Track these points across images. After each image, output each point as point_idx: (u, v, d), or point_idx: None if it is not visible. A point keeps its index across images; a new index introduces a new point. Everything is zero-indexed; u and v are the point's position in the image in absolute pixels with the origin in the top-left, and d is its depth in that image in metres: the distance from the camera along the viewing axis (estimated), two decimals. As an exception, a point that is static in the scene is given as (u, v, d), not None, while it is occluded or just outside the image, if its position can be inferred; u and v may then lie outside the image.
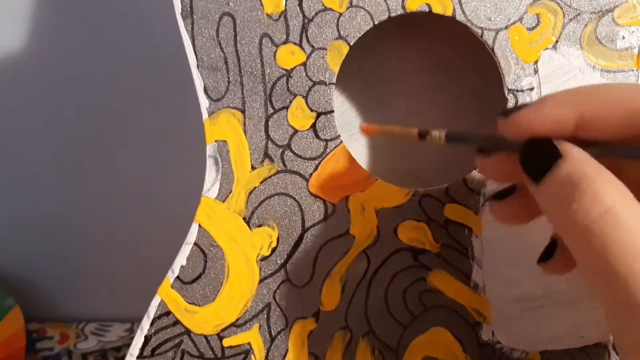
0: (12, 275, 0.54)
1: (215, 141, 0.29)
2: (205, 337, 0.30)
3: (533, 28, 0.29)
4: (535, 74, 0.29)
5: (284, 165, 0.29)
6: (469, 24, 0.29)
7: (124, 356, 0.53)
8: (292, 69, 0.29)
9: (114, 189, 0.51)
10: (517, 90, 0.29)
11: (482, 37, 0.29)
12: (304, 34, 0.29)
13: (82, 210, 0.52)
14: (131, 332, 0.54)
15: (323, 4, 0.28)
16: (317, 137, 0.29)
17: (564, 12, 0.29)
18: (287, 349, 0.30)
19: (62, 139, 0.49)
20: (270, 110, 0.29)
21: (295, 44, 0.29)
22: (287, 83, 0.29)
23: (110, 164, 0.50)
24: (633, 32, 0.29)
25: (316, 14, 0.28)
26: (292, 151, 0.29)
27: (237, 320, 0.30)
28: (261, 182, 0.29)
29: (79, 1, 0.44)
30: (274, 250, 0.29)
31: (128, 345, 0.54)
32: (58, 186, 0.51)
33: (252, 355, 0.30)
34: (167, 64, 0.44)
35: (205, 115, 0.29)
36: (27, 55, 0.46)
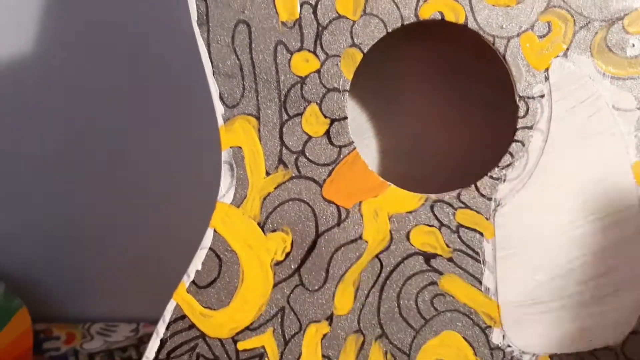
0: (19, 276, 0.54)
1: (231, 147, 0.29)
2: (220, 340, 0.30)
3: (544, 36, 0.29)
4: (546, 81, 0.29)
5: (298, 171, 0.30)
6: (480, 32, 0.29)
7: (130, 356, 0.53)
8: (306, 76, 0.29)
9: (126, 192, 0.51)
10: (528, 97, 0.30)
11: (493, 44, 0.29)
12: (318, 42, 0.29)
13: (90, 211, 0.52)
14: (137, 333, 0.55)
15: (337, 12, 0.29)
16: (331, 143, 0.30)
17: (574, 20, 0.29)
18: (301, 353, 0.30)
19: (72, 142, 0.49)
20: (285, 117, 0.29)
21: (309, 51, 0.29)
22: (302, 90, 0.29)
23: (124, 167, 0.50)
24: (642, 39, 0.29)
25: (330, 21, 0.29)
26: (306, 157, 0.30)
27: (252, 324, 0.30)
28: (275, 188, 0.30)
29: (95, 8, 0.45)
30: (287, 255, 0.30)
31: (134, 345, 0.54)
32: (65, 188, 0.51)
33: (267, 359, 0.30)
34: (182, 70, 0.44)
35: (220, 121, 0.29)
36: (45, 60, 0.47)
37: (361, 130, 0.37)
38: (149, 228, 0.53)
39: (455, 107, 0.36)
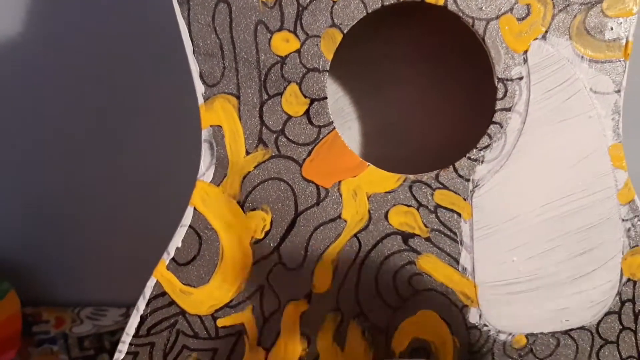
0: (8, 259, 0.54)
1: (211, 126, 0.30)
2: (200, 317, 0.30)
3: (523, 18, 0.29)
4: (524, 63, 0.30)
5: (278, 150, 0.30)
6: (460, 14, 0.29)
7: (119, 340, 0.53)
8: (286, 56, 0.29)
9: (110, 174, 0.51)
10: (507, 80, 0.30)
11: (473, 26, 0.29)
12: (298, 22, 0.29)
13: (78, 194, 0.52)
14: (126, 317, 0.55)
15: (317, -8, 0.29)
16: (311, 123, 0.30)
17: (553, 3, 0.29)
18: (280, 330, 0.31)
19: (57, 125, 0.50)
20: (265, 96, 0.29)
21: (289, 31, 0.29)
22: (282, 70, 0.29)
23: (107, 150, 0.50)
24: (621, 23, 0.30)
25: (310, 1, 0.29)
26: (286, 137, 0.30)
27: (231, 301, 0.30)
28: (255, 167, 0.30)
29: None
30: (267, 233, 0.30)
31: (123, 329, 0.54)
32: (54, 171, 0.51)
33: (245, 336, 0.31)
34: (163, 50, 0.44)
35: (200, 100, 0.29)
36: (25, 48, 0.47)
37: (344, 113, 0.37)
38: (138, 211, 0.53)
39: (436, 89, 0.36)
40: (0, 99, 0.49)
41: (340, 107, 0.37)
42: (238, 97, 0.29)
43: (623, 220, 0.31)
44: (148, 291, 0.30)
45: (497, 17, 0.29)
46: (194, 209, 0.30)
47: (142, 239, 0.52)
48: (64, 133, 0.50)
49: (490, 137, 0.30)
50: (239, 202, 0.30)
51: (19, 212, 0.53)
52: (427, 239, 0.30)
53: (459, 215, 0.30)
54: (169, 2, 0.28)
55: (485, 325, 0.31)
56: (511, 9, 0.29)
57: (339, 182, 0.30)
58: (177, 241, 0.30)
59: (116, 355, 0.31)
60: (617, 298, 0.31)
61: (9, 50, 0.47)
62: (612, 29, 0.30)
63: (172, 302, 0.30)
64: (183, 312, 0.30)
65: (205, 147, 0.30)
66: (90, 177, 0.51)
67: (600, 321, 0.32)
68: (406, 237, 0.30)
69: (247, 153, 0.30)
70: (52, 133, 0.50)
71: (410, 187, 0.30)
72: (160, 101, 0.48)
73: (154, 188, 0.51)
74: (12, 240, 0.54)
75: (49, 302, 0.55)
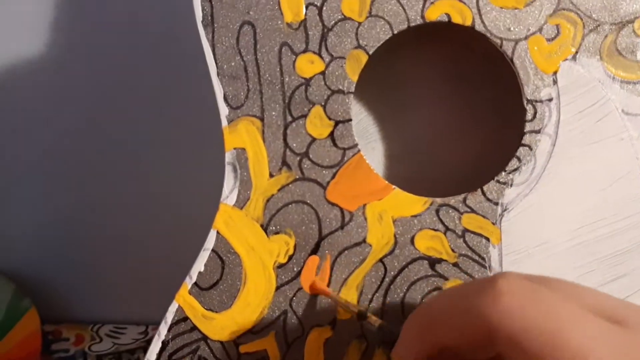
0: (29, 277, 0.54)
1: (234, 149, 0.29)
2: (222, 343, 0.30)
3: (553, 39, 0.29)
4: (554, 84, 0.29)
5: (302, 173, 0.29)
6: (488, 35, 0.29)
7: (138, 359, 0.53)
8: (311, 78, 0.29)
9: (132, 193, 0.51)
10: (536, 101, 0.29)
11: (501, 47, 0.29)
12: (323, 43, 0.29)
13: (99, 213, 0.52)
14: (146, 335, 0.55)
15: (342, 14, 0.29)
16: (335, 145, 0.29)
17: (583, 23, 0.29)
18: (303, 357, 0.30)
19: (79, 143, 0.50)
20: (289, 119, 0.29)
21: (314, 52, 0.29)
22: (306, 92, 0.29)
23: (129, 169, 0.50)
24: (653, 43, 0.29)
25: (335, 23, 0.29)
26: (310, 159, 0.29)
27: (254, 327, 0.30)
28: (279, 190, 0.29)
29: (99, 9, 0.45)
30: (290, 257, 0.30)
31: (142, 348, 0.54)
32: (74, 189, 0.51)
33: (268, 362, 0.30)
34: (187, 71, 0.44)
35: (224, 122, 0.29)
36: (47, 60, 0.47)
37: (368, 134, 0.36)
38: (159, 230, 0.53)
39: (462, 110, 0.35)
40: (18, 119, 0.49)
41: (364, 128, 0.36)
42: (262, 120, 0.29)
43: (657, 245, 0.30)
44: (170, 316, 0.30)
45: (526, 38, 0.29)
46: (217, 232, 0.29)
47: (162, 257, 0.52)
48: (86, 153, 0.50)
49: (519, 159, 0.29)
50: (262, 226, 0.30)
51: (38, 230, 0.53)
52: (455, 265, 0.30)
53: (488, 240, 0.30)
54: (194, 25, 0.28)
55: (514, 353, 0.30)
56: (540, 29, 0.29)
57: (364, 205, 0.30)
58: (199, 265, 0.30)
59: (138, 381, 0.30)
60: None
61: (28, 68, 0.47)
62: (644, 49, 0.29)
63: (194, 328, 0.30)
64: (205, 338, 0.30)
65: (228, 169, 0.29)
66: (110, 196, 0.51)
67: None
68: (433, 262, 0.30)
69: (271, 176, 0.29)
70: (73, 152, 0.50)
71: (437, 211, 0.30)
72: (184, 124, 0.47)
73: (175, 209, 0.51)
74: (32, 257, 0.54)
75: (69, 319, 0.55)
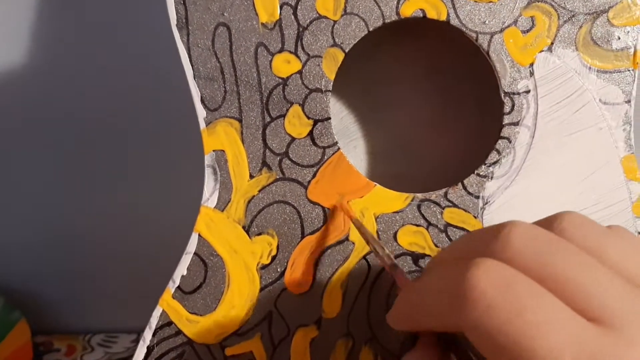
0: (18, 288, 0.54)
1: (213, 151, 0.29)
2: (208, 346, 0.30)
3: (528, 31, 0.29)
4: (531, 76, 0.29)
5: (282, 173, 0.29)
6: (463, 28, 0.29)
7: (130, 367, 0.53)
8: (288, 77, 0.29)
9: (118, 202, 0.51)
10: (514, 93, 0.29)
11: (476, 40, 0.29)
12: (299, 43, 0.29)
13: (86, 222, 0.52)
14: (138, 343, 0.54)
15: (317, 12, 0.29)
16: (315, 144, 0.29)
17: (558, 14, 0.29)
18: (290, 358, 0.30)
19: (66, 155, 0.50)
20: (267, 119, 0.29)
21: (290, 52, 0.29)
22: (284, 91, 0.29)
23: (115, 177, 0.50)
24: (628, 32, 0.29)
25: (311, 22, 0.29)
26: (290, 159, 0.29)
27: (239, 329, 0.30)
28: (260, 191, 0.29)
29: (74, 13, 0.45)
30: (274, 258, 0.30)
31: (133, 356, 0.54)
32: (62, 199, 0.51)
33: (255, 364, 0.30)
34: (163, 74, 0.44)
35: (202, 125, 0.29)
36: (30, 71, 0.47)
37: (349, 132, 0.36)
38: (148, 238, 0.52)
39: (441, 105, 0.35)
40: (11, 135, 0.49)
41: (345, 126, 0.36)
42: (240, 121, 0.29)
43: (639, 233, 0.30)
44: (154, 321, 0.29)
45: (501, 31, 0.29)
46: (199, 235, 0.29)
47: (152, 264, 0.52)
48: (72, 164, 0.50)
49: (499, 152, 0.29)
50: (244, 227, 0.29)
51: (27, 241, 0.53)
52: (438, 259, 0.30)
53: (470, 233, 0.30)
54: (169, 27, 0.28)
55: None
56: (515, 22, 0.29)
57: (346, 203, 0.29)
58: (182, 269, 0.29)
59: (124, 387, 0.30)
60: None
61: (29, 78, 0.47)
62: (619, 38, 0.29)
63: (179, 332, 0.29)
64: (190, 342, 0.29)
65: (208, 172, 0.29)
66: (96, 205, 0.51)
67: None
68: (416, 257, 0.30)
69: (251, 177, 0.29)
70: (60, 164, 0.50)
71: (419, 207, 0.30)
72: (163, 128, 0.47)
73: (161, 215, 0.51)
74: (22, 268, 0.54)
75: (60, 330, 0.55)
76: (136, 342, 0.55)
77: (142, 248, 0.53)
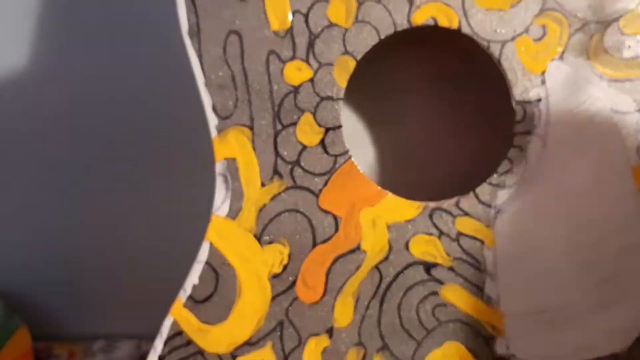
0: (19, 294, 0.53)
1: (225, 159, 0.29)
2: (219, 356, 0.29)
3: (539, 39, 0.29)
4: (542, 84, 0.29)
5: (294, 181, 0.29)
6: (475, 37, 0.29)
7: (131, 373, 0.52)
8: (299, 85, 0.29)
9: (121, 206, 0.51)
10: (525, 102, 0.29)
11: (488, 49, 0.29)
12: (310, 50, 0.29)
13: (88, 227, 0.52)
14: (139, 349, 0.54)
15: (329, 20, 0.28)
16: (326, 152, 0.29)
17: (569, 22, 0.29)
18: (301, 367, 0.30)
19: (69, 159, 0.49)
20: (279, 127, 0.29)
21: (302, 60, 0.29)
22: (295, 99, 0.29)
23: (118, 181, 0.50)
24: (639, 41, 0.29)
25: (322, 30, 0.28)
26: (301, 167, 0.29)
27: (250, 338, 0.29)
28: (271, 199, 0.29)
29: (84, 21, 0.44)
30: (285, 267, 0.29)
31: (136, 362, 0.53)
32: (63, 205, 0.51)
33: (266, 374, 0.30)
34: (174, 82, 0.44)
35: (214, 133, 0.29)
36: (34, 79, 0.47)
37: (357, 138, 0.36)
38: (149, 243, 0.52)
39: (452, 112, 0.35)
40: (13, 138, 0.49)
41: (355, 133, 0.36)
42: (252, 129, 0.29)
43: (650, 241, 0.30)
44: (165, 330, 0.29)
45: (513, 39, 0.29)
46: (210, 244, 0.29)
47: (153, 269, 0.52)
48: (75, 168, 0.50)
49: (510, 161, 0.29)
50: (255, 236, 0.29)
51: (27, 246, 0.53)
52: (450, 268, 0.30)
53: (482, 242, 0.30)
54: (180, 35, 0.28)
55: (512, 355, 0.30)
56: (527, 30, 0.29)
57: (358, 211, 0.29)
58: (193, 278, 0.29)
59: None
60: (648, 322, 0.31)
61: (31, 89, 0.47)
62: (630, 47, 0.29)
63: (190, 341, 0.29)
64: (201, 351, 0.29)
65: (219, 180, 0.29)
66: (99, 210, 0.51)
67: (631, 347, 0.31)
68: (428, 266, 0.30)
69: (263, 185, 0.29)
70: (63, 169, 0.50)
71: (431, 215, 0.29)
72: (173, 135, 0.47)
73: (165, 222, 0.51)
74: (22, 275, 0.53)
75: (60, 336, 0.55)
76: (138, 347, 0.54)
77: (143, 254, 0.53)
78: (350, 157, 0.29)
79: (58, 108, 0.48)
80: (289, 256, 0.29)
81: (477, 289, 0.30)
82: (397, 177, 0.36)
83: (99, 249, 0.53)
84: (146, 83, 0.46)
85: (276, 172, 0.29)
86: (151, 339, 0.53)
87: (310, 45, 0.29)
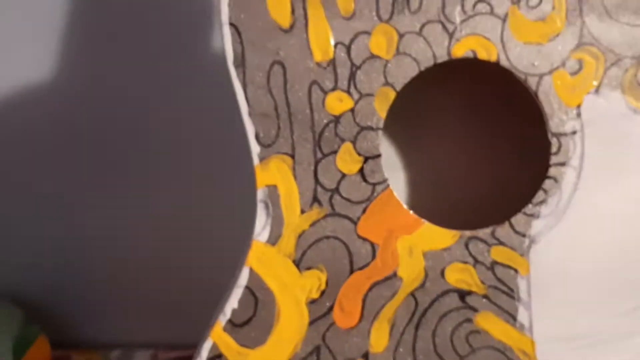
0: (38, 303, 0.54)
1: (266, 186, 0.29)
2: (257, 379, 0.30)
3: (576, 73, 0.29)
4: (578, 117, 0.30)
5: (333, 208, 0.30)
6: (512, 70, 0.29)
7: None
8: (340, 115, 0.29)
9: (140, 216, 0.51)
10: (561, 134, 0.30)
11: (525, 82, 0.29)
12: (351, 81, 0.29)
13: (109, 238, 0.52)
14: (155, 358, 0.55)
15: (370, 52, 0.29)
16: (365, 181, 0.30)
17: (605, 57, 0.29)
18: (337, 391, 0.30)
19: (93, 165, 0.50)
20: (319, 155, 0.29)
21: (343, 90, 0.29)
22: (336, 129, 0.29)
23: (135, 189, 0.50)
24: (672, 75, 0.30)
25: (364, 61, 0.29)
26: (340, 195, 0.30)
27: (288, 362, 0.30)
28: (310, 226, 0.30)
29: (85, 21, 0.45)
30: (323, 292, 0.30)
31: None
32: (83, 214, 0.51)
33: (302, 397, 0.30)
34: (218, 110, 0.44)
35: (256, 160, 0.29)
36: (74, 92, 0.47)
37: (389, 163, 0.37)
38: (167, 253, 0.53)
39: (485, 142, 0.36)
40: (24, 144, 0.49)
41: (387, 158, 0.37)
42: (293, 157, 0.29)
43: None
44: (205, 353, 0.30)
45: (550, 72, 0.29)
46: (250, 269, 0.30)
47: (171, 281, 0.52)
48: (96, 176, 0.50)
49: (545, 192, 0.30)
50: (294, 262, 0.30)
51: (45, 255, 0.53)
52: (484, 296, 0.30)
53: (516, 271, 0.30)
54: (225, 65, 0.29)
55: (544, 382, 0.31)
56: (563, 64, 0.29)
57: (395, 239, 0.30)
58: (233, 302, 0.30)
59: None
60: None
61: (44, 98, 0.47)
62: (663, 82, 0.30)
63: (229, 365, 0.30)
64: (240, 375, 0.30)
65: (260, 207, 0.30)
66: (124, 223, 0.51)
67: (660, 375, 0.31)
68: (463, 294, 0.30)
69: (302, 212, 0.30)
70: (84, 175, 0.50)
71: (467, 244, 0.30)
72: (215, 161, 0.48)
73: (186, 232, 0.51)
74: (41, 284, 0.54)
75: (78, 344, 0.55)
76: (154, 357, 0.55)
77: (161, 264, 0.53)
78: (388, 186, 0.30)
79: (78, 119, 0.48)
80: (327, 282, 0.30)
81: (510, 317, 0.30)
82: (428, 203, 0.37)
83: (120, 259, 0.53)
84: (189, 109, 0.46)
85: (316, 199, 0.30)
86: (167, 348, 0.54)
87: (352, 77, 0.29)
